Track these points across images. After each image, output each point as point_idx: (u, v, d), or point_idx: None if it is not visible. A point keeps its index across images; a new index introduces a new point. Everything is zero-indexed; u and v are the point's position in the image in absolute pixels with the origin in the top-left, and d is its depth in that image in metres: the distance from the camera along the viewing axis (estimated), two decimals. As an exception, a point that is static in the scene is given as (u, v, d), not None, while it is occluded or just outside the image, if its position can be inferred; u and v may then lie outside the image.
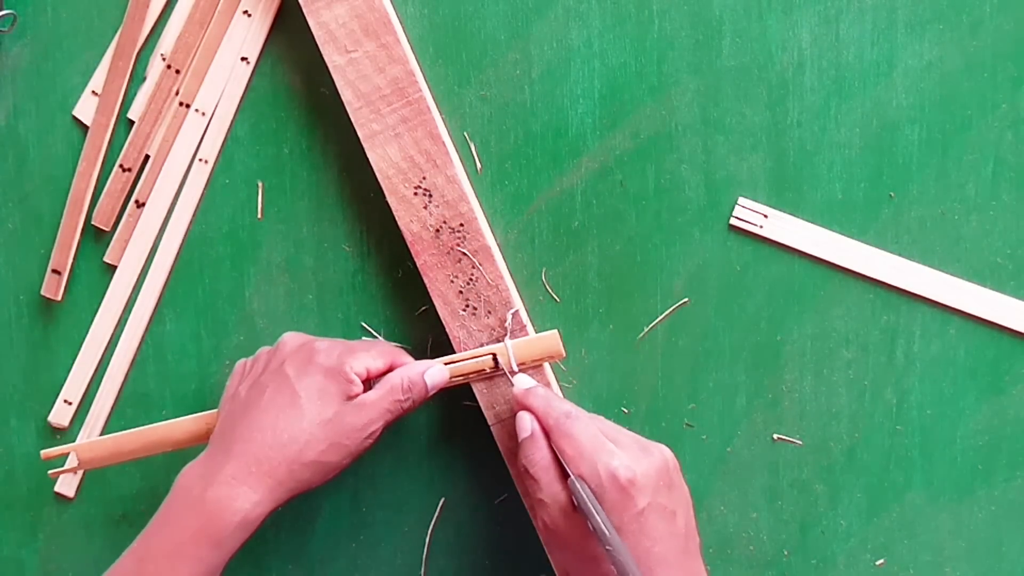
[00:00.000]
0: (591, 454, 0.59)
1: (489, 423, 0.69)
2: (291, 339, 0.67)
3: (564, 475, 0.60)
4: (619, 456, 0.59)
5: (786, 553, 0.73)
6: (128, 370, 0.74)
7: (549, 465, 0.61)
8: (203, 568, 0.61)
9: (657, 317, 0.72)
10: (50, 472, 0.71)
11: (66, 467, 0.71)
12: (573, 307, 0.72)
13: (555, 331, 0.68)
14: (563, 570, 0.69)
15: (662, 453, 0.61)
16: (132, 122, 0.72)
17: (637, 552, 0.58)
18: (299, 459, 0.62)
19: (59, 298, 0.73)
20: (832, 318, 0.71)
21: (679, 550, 0.60)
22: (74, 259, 0.73)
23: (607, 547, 0.56)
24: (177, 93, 0.72)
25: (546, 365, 0.68)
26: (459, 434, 0.73)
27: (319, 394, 0.63)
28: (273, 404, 0.63)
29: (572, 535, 0.60)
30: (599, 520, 0.57)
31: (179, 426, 0.69)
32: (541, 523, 0.61)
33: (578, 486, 0.58)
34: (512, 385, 0.66)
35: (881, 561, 0.73)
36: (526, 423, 0.63)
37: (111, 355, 0.74)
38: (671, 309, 0.72)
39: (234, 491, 0.61)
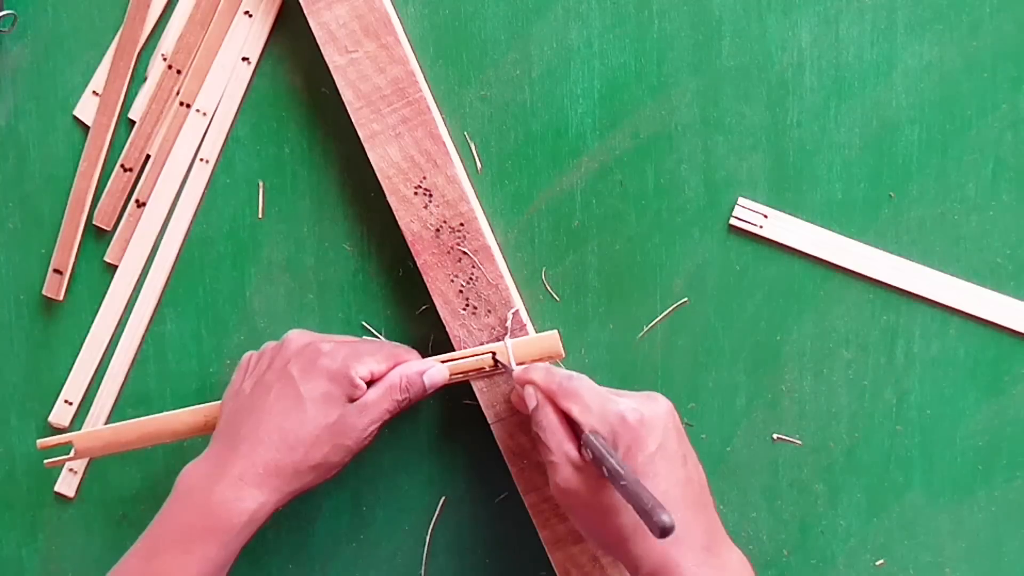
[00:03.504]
0: (598, 405, 0.60)
1: (489, 422, 0.69)
2: (297, 337, 0.67)
3: (574, 435, 0.61)
4: (624, 401, 0.60)
5: (786, 553, 0.73)
6: (129, 370, 0.74)
7: (557, 427, 0.61)
8: (211, 567, 0.61)
9: (657, 317, 0.72)
10: (46, 462, 0.71)
11: (63, 456, 0.71)
12: (573, 307, 0.72)
13: (555, 331, 0.68)
14: (564, 568, 0.69)
15: (666, 400, 0.62)
16: (133, 122, 0.73)
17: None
18: (305, 461, 0.63)
19: (60, 298, 0.73)
20: (832, 318, 0.71)
21: (693, 498, 0.60)
22: (75, 259, 0.73)
23: (621, 483, 0.56)
24: (178, 93, 0.72)
25: (546, 365, 0.69)
26: (459, 433, 0.73)
27: (323, 397, 0.64)
28: (278, 406, 0.63)
29: (585, 490, 0.60)
30: (612, 461, 0.57)
31: (178, 418, 0.69)
32: (554, 485, 0.61)
33: (591, 437, 0.59)
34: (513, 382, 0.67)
35: (881, 561, 0.73)
36: (531, 395, 0.63)
37: (112, 355, 0.74)
38: (671, 309, 0.72)
39: (241, 492, 0.62)
